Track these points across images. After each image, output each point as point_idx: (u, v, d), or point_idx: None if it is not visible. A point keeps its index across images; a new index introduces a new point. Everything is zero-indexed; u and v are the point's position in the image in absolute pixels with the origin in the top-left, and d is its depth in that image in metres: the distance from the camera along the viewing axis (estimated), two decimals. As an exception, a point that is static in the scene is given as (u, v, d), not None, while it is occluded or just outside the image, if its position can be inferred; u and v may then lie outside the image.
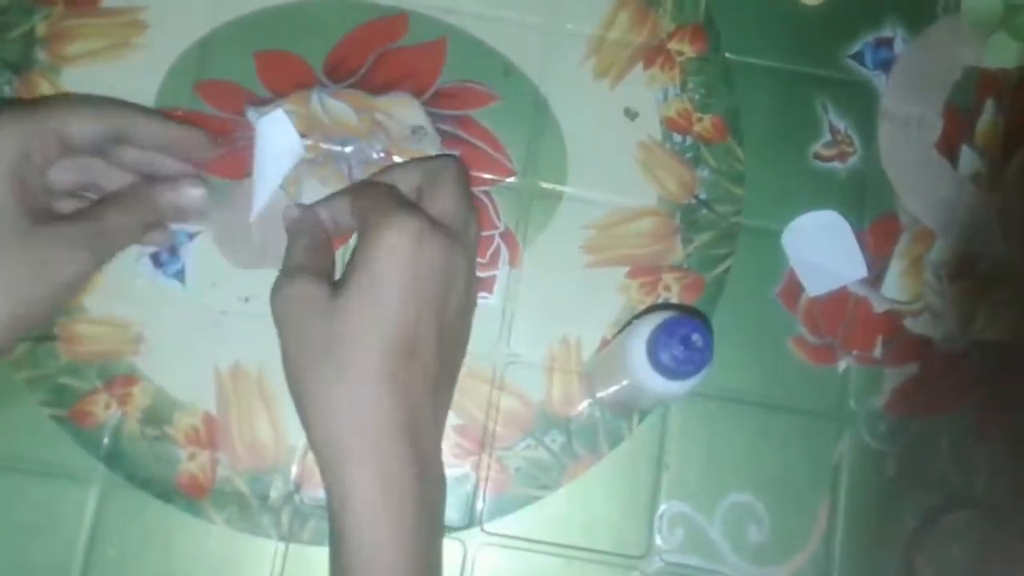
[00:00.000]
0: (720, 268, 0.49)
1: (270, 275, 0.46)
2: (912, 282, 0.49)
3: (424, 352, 0.39)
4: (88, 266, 0.41)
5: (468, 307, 0.43)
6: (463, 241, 0.41)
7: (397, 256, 0.38)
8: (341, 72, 0.49)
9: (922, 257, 0.49)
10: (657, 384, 0.37)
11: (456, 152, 0.48)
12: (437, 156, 0.47)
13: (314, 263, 0.42)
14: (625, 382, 0.40)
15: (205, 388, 0.45)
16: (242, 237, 0.47)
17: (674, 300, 0.48)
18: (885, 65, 0.51)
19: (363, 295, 0.38)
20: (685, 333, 0.35)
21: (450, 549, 0.44)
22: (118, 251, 0.44)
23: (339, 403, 0.37)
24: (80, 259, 0.40)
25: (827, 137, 0.50)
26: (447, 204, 0.41)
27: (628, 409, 0.46)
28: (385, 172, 0.45)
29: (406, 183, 0.44)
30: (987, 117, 0.51)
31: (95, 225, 0.41)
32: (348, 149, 0.48)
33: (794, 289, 0.49)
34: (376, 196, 0.42)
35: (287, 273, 0.41)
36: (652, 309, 0.48)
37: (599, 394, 0.45)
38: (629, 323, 0.47)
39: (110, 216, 0.42)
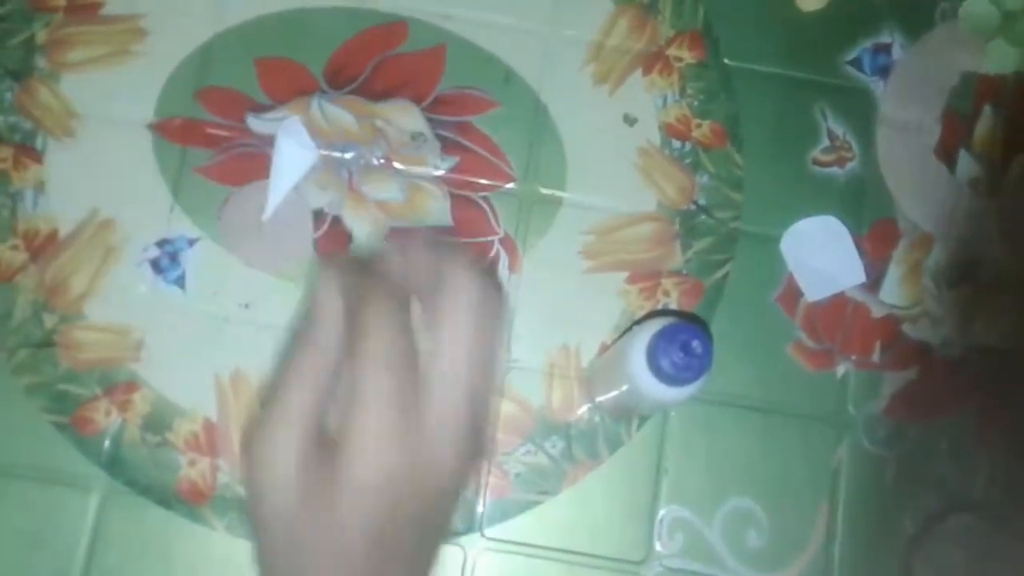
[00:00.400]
0: (719, 273, 0.49)
1: (270, 282, 0.46)
2: (910, 287, 0.49)
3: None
4: None
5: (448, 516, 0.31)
6: (450, 448, 0.28)
7: (367, 487, 0.28)
8: (341, 79, 0.49)
9: (920, 262, 0.50)
10: (656, 390, 0.37)
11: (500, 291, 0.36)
12: (466, 262, 0.30)
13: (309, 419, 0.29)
14: (624, 387, 0.40)
15: (206, 394, 0.45)
16: (254, 237, 0.47)
17: (673, 305, 0.48)
18: (883, 71, 0.52)
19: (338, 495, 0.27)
20: (685, 339, 0.35)
21: (450, 554, 0.45)
22: None
23: None
24: None
25: (826, 143, 0.51)
26: (459, 371, 0.28)
27: (627, 414, 0.46)
28: (399, 246, 0.31)
29: (417, 277, 0.30)
30: (985, 122, 0.51)
31: None
32: (348, 155, 0.48)
33: (793, 294, 0.49)
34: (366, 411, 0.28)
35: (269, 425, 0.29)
36: (652, 315, 0.48)
37: (598, 398, 0.45)
38: (629, 329, 0.47)
39: None
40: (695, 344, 0.35)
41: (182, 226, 0.47)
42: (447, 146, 0.49)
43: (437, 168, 0.48)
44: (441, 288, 0.29)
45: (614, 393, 0.42)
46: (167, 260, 0.46)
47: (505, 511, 0.46)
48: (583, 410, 0.47)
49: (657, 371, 0.36)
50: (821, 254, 0.49)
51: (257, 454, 0.28)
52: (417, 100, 0.49)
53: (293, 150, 0.47)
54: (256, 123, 0.48)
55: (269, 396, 0.29)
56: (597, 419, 0.47)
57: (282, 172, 0.47)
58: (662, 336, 0.35)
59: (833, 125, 0.51)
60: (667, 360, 0.35)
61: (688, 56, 0.51)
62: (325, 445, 0.28)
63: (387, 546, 0.28)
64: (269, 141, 0.48)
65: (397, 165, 0.48)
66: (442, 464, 0.28)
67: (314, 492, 0.28)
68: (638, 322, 0.48)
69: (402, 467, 0.28)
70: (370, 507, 0.28)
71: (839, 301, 0.49)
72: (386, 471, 0.28)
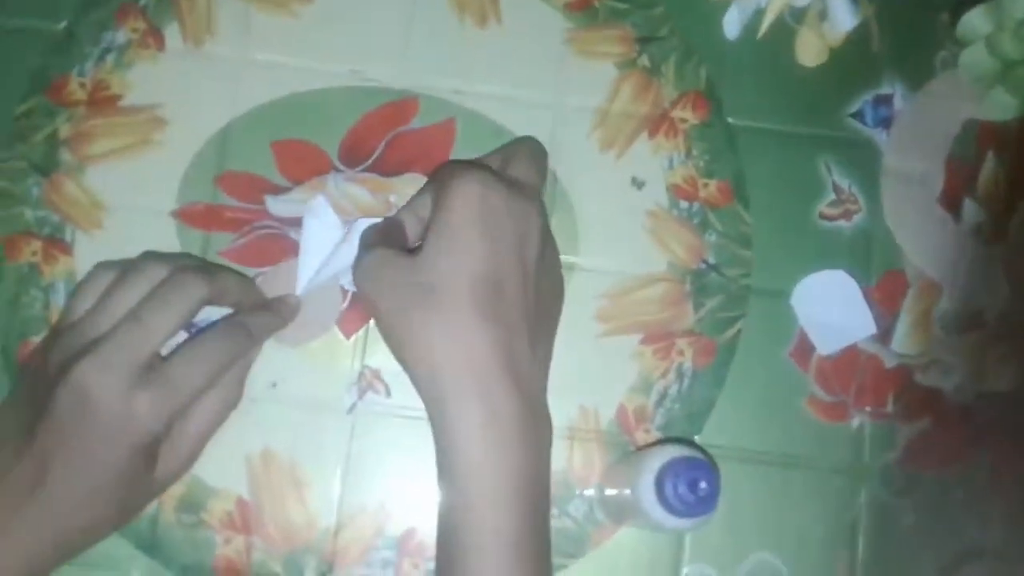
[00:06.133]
0: (731, 331, 0.50)
1: (296, 361, 0.48)
2: (921, 336, 0.50)
3: (511, 289, 0.40)
4: None
5: (550, 261, 0.44)
6: (531, 196, 0.43)
7: (467, 201, 0.40)
8: (355, 157, 0.50)
9: (930, 311, 0.50)
10: (659, 514, 0.39)
11: (536, 141, 0.50)
12: (520, 138, 0.51)
13: (388, 240, 0.44)
14: (628, 492, 0.41)
15: (237, 473, 0.47)
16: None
17: (688, 364, 0.49)
18: (886, 122, 0.52)
19: (441, 242, 0.40)
20: (694, 478, 0.37)
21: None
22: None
23: (437, 343, 0.39)
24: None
25: (831, 196, 0.52)
26: (520, 169, 0.44)
27: (626, 520, 0.47)
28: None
29: (491, 163, 0.46)
30: (988, 169, 0.52)
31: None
32: (365, 232, 0.49)
33: (805, 349, 0.50)
34: (445, 167, 0.45)
35: (364, 249, 0.43)
36: (664, 441, 0.49)
37: (606, 491, 0.47)
38: (641, 448, 0.48)
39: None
40: (703, 486, 0.36)
41: (208, 309, 0.48)
42: (461, 218, 0.50)
43: (452, 240, 0.50)
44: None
45: (619, 493, 0.44)
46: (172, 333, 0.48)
47: (532, 576, 0.47)
48: (589, 492, 0.48)
49: (663, 501, 0.37)
50: (831, 308, 0.50)
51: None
52: (430, 174, 0.50)
53: (320, 229, 0.49)
54: (275, 205, 0.49)
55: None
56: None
57: (310, 251, 0.49)
58: (671, 469, 0.37)
59: (838, 178, 0.52)
60: (674, 494, 0.37)
61: (692, 117, 0.52)
62: None
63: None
64: (289, 222, 0.49)
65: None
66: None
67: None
68: (652, 445, 0.49)
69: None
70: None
71: (851, 353, 0.50)
72: (475, 179, 0.41)
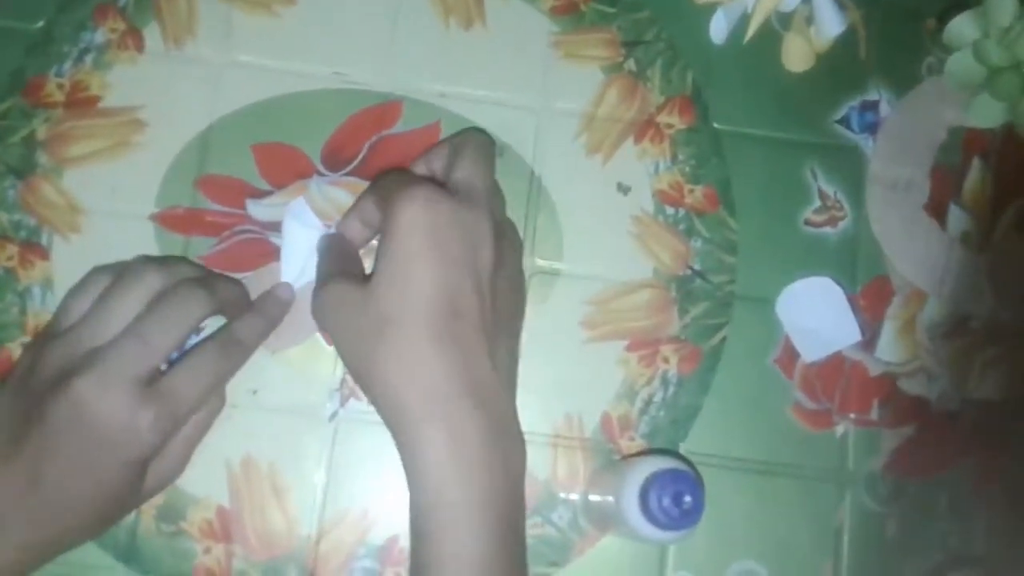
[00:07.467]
0: (716, 338, 0.50)
1: (277, 368, 0.47)
2: (906, 343, 0.50)
3: (466, 306, 0.40)
4: None
5: (506, 266, 0.43)
6: (478, 203, 0.42)
7: (412, 227, 0.39)
8: (338, 161, 0.50)
9: (915, 318, 0.50)
10: (641, 524, 0.38)
11: (483, 133, 0.49)
12: (464, 130, 0.50)
13: (341, 268, 0.44)
14: (611, 498, 0.41)
15: (217, 481, 0.46)
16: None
17: (673, 371, 0.49)
18: (871, 128, 0.52)
19: (391, 270, 0.40)
20: (678, 491, 0.37)
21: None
22: None
23: (394, 374, 0.39)
24: None
25: (817, 203, 0.51)
26: (465, 172, 0.43)
27: (608, 528, 0.47)
28: (418, 157, 0.47)
29: (436, 163, 0.46)
30: (974, 175, 0.52)
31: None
32: (348, 237, 0.49)
33: (790, 356, 0.50)
34: (390, 182, 0.44)
35: (320, 282, 0.43)
36: (649, 453, 0.49)
37: (590, 497, 0.46)
38: (627, 457, 0.48)
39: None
40: (687, 500, 0.36)
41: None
42: (445, 223, 0.49)
43: (436, 246, 0.49)
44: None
45: (603, 500, 0.43)
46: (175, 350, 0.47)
47: (515, 585, 0.46)
48: (573, 496, 0.48)
49: (647, 513, 0.37)
50: (816, 315, 0.50)
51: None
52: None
53: (300, 231, 0.48)
54: (256, 209, 0.49)
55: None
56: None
57: (291, 254, 0.48)
58: (656, 482, 0.37)
59: (824, 185, 0.52)
60: (658, 506, 0.37)
61: (678, 122, 0.52)
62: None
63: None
64: (270, 226, 0.49)
65: (396, 245, 0.49)
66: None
67: None
68: (636, 456, 0.48)
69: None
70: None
71: (836, 360, 0.50)
72: (417, 201, 0.40)
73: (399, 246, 0.40)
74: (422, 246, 0.39)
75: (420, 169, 0.47)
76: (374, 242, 0.46)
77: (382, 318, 0.39)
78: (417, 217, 0.39)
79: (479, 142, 0.45)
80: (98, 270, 0.44)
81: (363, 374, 0.40)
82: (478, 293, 0.40)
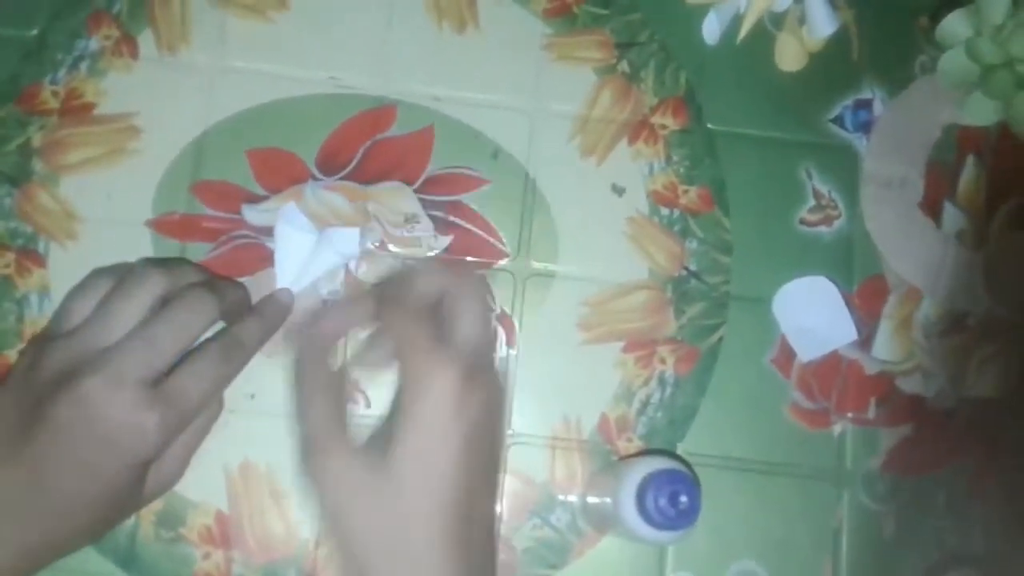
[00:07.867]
0: (713, 338, 0.50)
1: (274, 370, 0.47)
2: (902, 342, 0.50)
3: (480, 509, 0.38)
4: None
5: (503, 430, 0.43)
6: (491, 370, 0.40)
7: (446, 413, 0.37)
8: (333, 165, 0.50)
9: (911, 316, 0.50)
10: (638, 525, 0.38)
11: (480, 275, 0.49)
12: (458, 270, 0.43)
13: (341, 425, 0.39)
14: (608, 500, 0.41)
15: (216, 486, 0.46)
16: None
17: (670, 372, 0.49)
18: (865, 127, 0.52)
19: (416, 464, 0.37)
20: (674, 491, 0.37)
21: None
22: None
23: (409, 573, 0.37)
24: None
25: (812, 202, 0.51)
26: (473, 331, 0.39)
27: (607, 528, 0.47)
28: (404, 276, 0.42)
29: (425, 290, 0.41)
30: (969, 173, 0.52)
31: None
32: (344, 241, 0.49)
33: (787, 355, 0.50)
34: (407, 326, 0.39)
35: (318, 441, 0.38)
36: (646, 453, 0.49)
37: (589, 498, 0.46)
38: (625, 458, 0.48)
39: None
40: (683, 500, 0.36)
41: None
42: (440, 226, 0.50)
43: (431, 249, 0.49)
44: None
45: (601, 501, 0.43)
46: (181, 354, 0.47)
47: (514, 587, 0.47)
48: (572, 498, 0.48)
49: (643, 513, 0.37)
50: (812, 314, 0.50)
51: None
52: (408, 181, 0.50)
53: (293, 236, 0.48)
54: (251, 214, 0.49)
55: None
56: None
57: (286, 259, 0.48)
58: (652, 482, 0.37)
59: (818, 184, 0.52)
60: (655, 507, 0.37)
61: (672, 123, 0.52)
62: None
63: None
64: (266, 231, 0.49)
65: (392, 248, 0.49)
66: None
67: None
68: (634, 456, 0.48)
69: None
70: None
71: (833, 360, 0.50)
72: (453, 383, 0.37)
73: (427, 431, 0.37)
74: (453, 437, 0.37)
75: (412, 287, 0.41)
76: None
77: (399, 515, 0.37)
78: (449, 401, 0.37)
79: (480, 293, 0.41)
80: (98, 272, 0.44)
81: (362, 568, 0.37)
82: (488, 484, 0.39)
